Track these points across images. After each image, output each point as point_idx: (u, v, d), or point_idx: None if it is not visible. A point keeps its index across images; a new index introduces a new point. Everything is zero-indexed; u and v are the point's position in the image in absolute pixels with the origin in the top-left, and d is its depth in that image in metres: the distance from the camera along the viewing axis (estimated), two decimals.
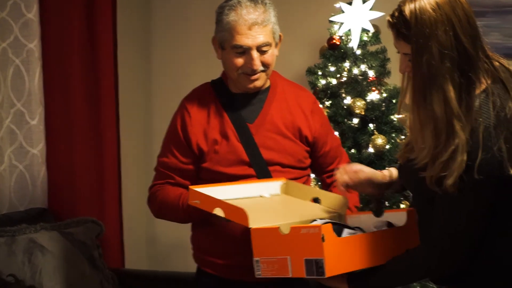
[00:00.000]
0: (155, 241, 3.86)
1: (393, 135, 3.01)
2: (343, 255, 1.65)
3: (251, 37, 2.06)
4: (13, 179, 3.08)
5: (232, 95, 2.19)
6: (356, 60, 3.08)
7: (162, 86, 3.94)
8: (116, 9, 3.48)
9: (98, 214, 3.20)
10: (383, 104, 3.05)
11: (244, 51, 2.06)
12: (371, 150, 2.95)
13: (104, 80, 3.37)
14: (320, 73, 3.10)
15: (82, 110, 3.29)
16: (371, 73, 3.07)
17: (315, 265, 1.60)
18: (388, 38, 2.84)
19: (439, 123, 1.43)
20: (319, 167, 2.21)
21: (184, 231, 3.24)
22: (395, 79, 3.14)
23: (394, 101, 3.07)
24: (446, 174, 1.41)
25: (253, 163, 2.15)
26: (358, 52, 3.07)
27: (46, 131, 3.14)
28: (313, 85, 3.10)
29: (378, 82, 3.09)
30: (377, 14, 2.98)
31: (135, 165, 3.84)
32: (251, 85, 2.12)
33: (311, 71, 3.11)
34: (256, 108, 2.20)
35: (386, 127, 3.01)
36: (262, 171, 2.11)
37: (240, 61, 2.08)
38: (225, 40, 2.10)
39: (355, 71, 3.07)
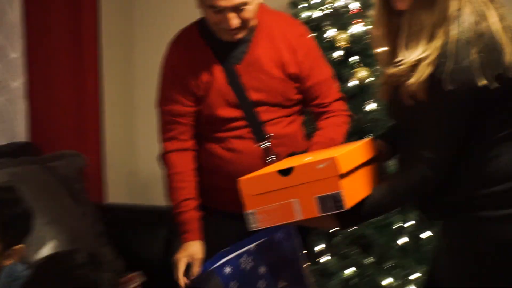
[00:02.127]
0: (136, 175, 3.90)
1: (378, 67, 2.90)
2: (354, 183, 1.63)
3: None
4: None
5: (214, 37, 2.18)
6: None
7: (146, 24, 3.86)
8: None
9: (80, 148, 3.20)
10: (366, 36, 2.96)
11: (220, 10, 2.05)
12: (354, 82, 2.91)
13: (87, 11, 3.34)
14: (302, 4, 3.04)
15: (64, 42, 3.26)
16: (356, 5, 2.99)
17: (333, 200, 1.56)
18: None
19: (431, 28, 1.46)
20: (306, 100, 2.23)
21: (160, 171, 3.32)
22: None
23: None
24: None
25: (242, 105, 2.19)
26: None
27: (28, 63, 3.12)
28: (297, 17, 2.99)
29: (362, 14, 3.00)
30: None
31: (117, 98, 3.83)
32: (231, 38, 2.14)
33: (294, 3, 3.05)
34: (242, 49, 2.21)
35: (370, 60, 2.95)
36: (249, 112, 2.17)
37: (217, 18, 2.08)
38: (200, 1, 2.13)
39: (338, 2, 2.99)
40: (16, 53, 3.06)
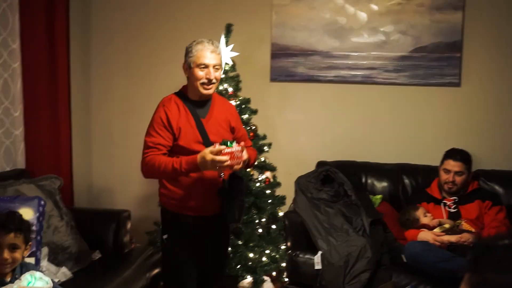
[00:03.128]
0: (92, 187, 4.68)
1: (244, 127, 3.41)
2: None
3: (210, 59, 2.77)
4: (2, 150, 3.66)
5: (191, 101, 2.84)
6: (221, 81, 3.74)
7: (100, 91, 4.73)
8: (69, 40, 4.21)
9: (57, 172, 3.85)
10: (237, 108, 3.70)
11: (205, 67, 2.76)
12: None
13: (60, 86, 4.09)
14: None
15: (46, 108, 3.99)
16: (230, 89, 3.81)
17: None
18: (239, 68, 3.96)
19: None
20: (237, 141, 2.77)
21: (113, 179, 4.34)
22: (244, 93, 3.97)
23: (243, 106, 3.85)
24: None
25: (204, 143, 2.78)
26: (223, 76, 3.72)
27: (24, 119, 3.80)
28: None
29: (234, 95, 3.83)
30: (235, 53, 3.83)
31: (81, 140, 4.52)
32: (206, 92, 2.81)
33: None
34: (206, 109, 2.87)
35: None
36: (209, 145, 2.71)
37: (202, 74, 2.77)
38: (193, 62, 2.77)
39: (220, 87, 3.76)
40: (17, 113, 3.77)
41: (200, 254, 2.96)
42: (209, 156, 2.60)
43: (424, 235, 3.61)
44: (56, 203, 3.48)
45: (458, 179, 3.78)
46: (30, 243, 2.53)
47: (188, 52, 2.85)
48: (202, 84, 2.81)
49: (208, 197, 2.85)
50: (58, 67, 4.06)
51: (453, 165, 3.80)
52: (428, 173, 4.04)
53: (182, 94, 2.89)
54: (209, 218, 2.91)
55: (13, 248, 2.40)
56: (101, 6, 4.61)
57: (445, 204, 3.81)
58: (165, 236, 2.98)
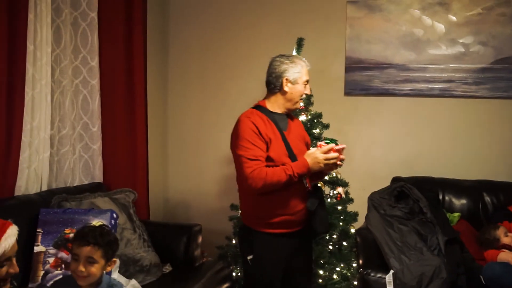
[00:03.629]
0: (168, 202, 4.75)
1: (315, 141, 3.54)
2: None
3: (308, 75, 2.88)
4: (81, 164, 3.82)
5: (272, 114, 2.84)
6: None
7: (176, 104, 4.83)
8: (146, 57, 4.29)
9: (133, 186, 3.96)
10: (309, 123, 3.75)
11: (306, 82, 2.86)
12: None
13: (137, 101, 4.18)
14: None
15: (123, 122, 4.07)
16: (301, 104, 3.40)
17: None
18: (311, 82, 3.87)
19: None
20: None
21: (187, 193, 4.36)
22: (316, 108, 3.90)
23: (315, 121, 3.78)
24: None
25: (290, 155, 2.78)
26: None
27: (102, 134, 3.88)
28: None
29: (306, 109, 3.80)
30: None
31: (157, 154, 4.66)
32: (299, 106, 2.93)
33: None
34: (285, 122, 2.90)
35: (310, 137, 3.42)
36: (293, 159, 2.75)
37: (303, 89, 2.85)
38: (299, 78, 2.81)
39: None
40: (95, 128, 3.86)
41: (288, 271, 2.92)
42: (321, 156, 2.67)
43: (505, 256, 3.44)
44: (130, 216, 3.54)
45: None
46: (114, 259, 2.45)
47: (290, 68, 2.84)
48: (301, 98, 2.90)
49: (295, 211, 2.82)
50: (135, 82, 4.15)
51: None
52: (511, 190, 3.83)
53: (261, 107, 2.89)
54: (295, 234, 2.86)
55: (89, 262, 2.33)
56: (177, 20, 4.72)
57: None
58: (250, 257, 2.87)
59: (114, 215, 3.26)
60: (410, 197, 3.72)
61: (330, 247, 3.82)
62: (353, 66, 4.36)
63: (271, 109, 2.86)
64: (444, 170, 4.13)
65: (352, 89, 4.40)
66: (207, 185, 4.66)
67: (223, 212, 4.34)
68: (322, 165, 2.69)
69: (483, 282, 3.35)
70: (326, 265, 3.76)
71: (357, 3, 4.36)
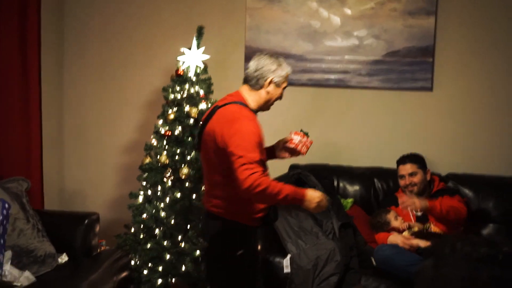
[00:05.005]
0: (64, 192, 4.65)
1: None
2: None
3: None
4: None
5: (255, 113, 2.82)
6: (192, 83, 3.76)
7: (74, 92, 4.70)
8: (40, 44, 4.11)
9: (27, 175, 3.80)
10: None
11: (285, 88, 2.86)
12: None
13: (31, 90, 4.02)
14: (170, 90, 3.76)
15: (16, 110, 3.93)
16: (201, 92, 3.78)
17: None
18: (211, 70, 3.96)
19: None
20: None
21: (85, 182, 4.32)
22: (216, 96, 3.73)
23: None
24: None
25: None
26: (194, 78, 3.77)
27: None
28: (166, 98, 3.77)
29: (206, 97, 3.80)
30: (206, 56, 3.77)
31: (53, 143, 4.50)
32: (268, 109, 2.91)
33: (165, 89, 3.79)
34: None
35: None
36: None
37: (280, 93, 2.85)
38: (282, 82, 2.81)
39: (192, 90, 3.77)
40: None
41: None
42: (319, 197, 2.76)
43: (394, 238, 3.60)
44: (23, 206, 3.45)
45: (414, 179, 3.80)
46: None
47: (278, 70, 2.81)
48: (273, 102, 2.89)
49: (266, 207, 2.85)
50: (29, 69, 4.00)
51: (403, 169, 3.85)
52: None
53: (245, 105, 2.82)
54: (260, 226, 2.92)
55: None
56: (74, 8, 4.59)
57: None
58: (240, 252, 2.83)
59: (6, 205, 3.11)
60: (307, 184, 3.80)
61: None
62: (252, 55, 4.32)
63: (251, 107, 2.81)
64: (339, 157, 4.26)
65: None
66: (105, 174, 4.59)
67: (121, 201, 4.28)
68: (314, 205, 2.73)
69: (374, 264, 3.49)
70: None
71: None
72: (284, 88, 2.86)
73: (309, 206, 2.74)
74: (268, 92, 2.81)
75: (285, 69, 2.83)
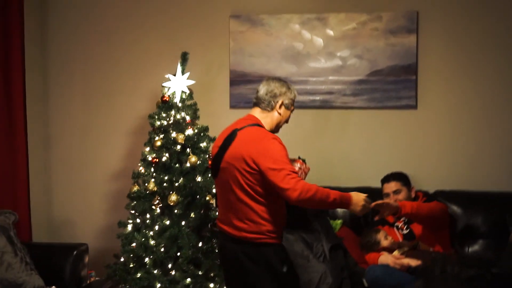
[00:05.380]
0: (52, 222, 4.61)
1: (202, 155, 3.75)
2: None
3: None
4: None
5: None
6: (178, 109, 3.78)
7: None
8: (25, 72, 4.15)
9: (13, 207, 3.85)
10: (195, 136, 3.78)
11: (293, 110, 3.02)
12: (188, 164, 3.70)
13: (16, 118, 4.06)
14: (156, 117, 3.79)
15: (1, 141, 3.93)
16: (188, 118, 3.79)
17: None
18: (197, 95, 3.94)
19: None
20: None
21: (73, 212, 4.30)
22: (203, 121, 3.92)
23: (202, 134, 3.82)
24: None
25: None
26: (180, 104, 3.79)
27: None
28: (152, 125, 3.79)
29: (192, 123, 3.81)
30: (191, 82, 3.80)
31: (39, 173, 4.51)
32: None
33: (151, 116, 3.81)
34: None
35: (197, 151, 3.76)
36: None
37: (289, 115, 3.02)
38: (290, 105, 2.97)
39: (178, 116, 3.78)
40: None
41: None
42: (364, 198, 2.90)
43: (385, 258, 3.60)
44: (10, 239, 3.46)
45: (399, 196, 3.80)
46: None
47: (288, 93, 2.97)
48: (283, 124, 3.03)
49: None
50: (13, 99, 4.04)
51: (388, 187, 3.86)
52: None
53: (262, 127, 2.95)
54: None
55: None
56: (58, 35, 4.62)
57: (397, 227, 3.83)
58: (285, 269, 2.95)
59: None
60: (295, 207, 3.78)
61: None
62: (237, 79, 4.41)
63: (267, 128, 2.92)
64: (326, 178, 4.22)
65: (237, 102, 4.44)
66: (93, 203, 4.58)
67: (111, 230, 4.27)
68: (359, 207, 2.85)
69: (366, 285, 3.48)
70: (216, 278, 3.82)
71: (240, 18, 4.42)
72: (292, 111, 3.00)
73: (355, 209, 2.85)
74: (279, 114, 2.94)
75: (293, 92, 2.98)
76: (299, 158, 3.02)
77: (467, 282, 1.03)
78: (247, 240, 2.87)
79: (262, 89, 2.98)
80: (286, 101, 2.94)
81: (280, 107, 2.93)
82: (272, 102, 2.93)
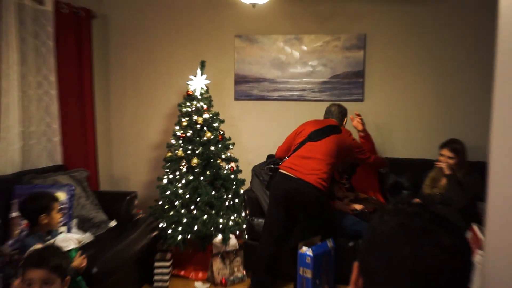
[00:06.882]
0: (113, 177, 4.61)
1: (214, 132, 3.66)
2: None
3: None
4: (46, 152, 3.64)
5: None
6: (198, 100, 3.72)
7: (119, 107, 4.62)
8: (93, 73, 4.13)
9: (86, 166, 3.89)
10: (210, 119, 3.71)
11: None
12: (205, 138, 3.61)
13: (87, 105, 4.05)
14: (183, 105, 3.72)
15: (77, 121, 3.95)
16: (205, 106, 3.74)
17: None
18: (211, 91, 3.95)
19: None
20: None
21: (128, 170, 4.24)
22: (215, 109, 3.88)
23: (214, 117, 3.71)
24: None
25: None
26: (199, 97, 3.74)
27: (61, 130, 3.73)
28: (180, 111, 3.71)
29: (208, 110, 3.74)
30: (207, 81, 3.77)
31: (103, 143, 4.49)
32: None
33: (179, 105, 3.75)
34: None
35: (211, 129, 3.70)
36: None
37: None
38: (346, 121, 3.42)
39: (198, 104, 3.73)
40: (56, 125, 3.69)
41: None
42: None
43: (338, 204, 3.62)
44: (84, 188, 3.43)
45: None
46: (67, 277, 1.80)
47: (346, 113, 3.53)
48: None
49: None
50: (85, 93, 4.00)
51: None
52: None
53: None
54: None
55: (45, 283, 1.71)
56: (117, 48, 4.55)
57: (343, 184, 3.84)
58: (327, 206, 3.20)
59: (72, 188, 3.16)
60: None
61: (227, 203, 3.83)
62: (240, 80, 4.42)
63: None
64: None
65: (239, 96, 4.44)
66: (140, 164, 4.58)
67: (152, 183, 4.28)
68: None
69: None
70: (224, 215, 3.78)
71: (242, 37, 4.42)
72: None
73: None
74: (344, 126, 3.38)
75: (347, 115, 3.46)
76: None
77: (411, 215, 0.85)
78: (317, 187, 3.08)
79: (335, 110, 3.49)
80: (346, 120, 3.57)
81: (346, 122, 3.58)
82: (343, 118, 3.50)
